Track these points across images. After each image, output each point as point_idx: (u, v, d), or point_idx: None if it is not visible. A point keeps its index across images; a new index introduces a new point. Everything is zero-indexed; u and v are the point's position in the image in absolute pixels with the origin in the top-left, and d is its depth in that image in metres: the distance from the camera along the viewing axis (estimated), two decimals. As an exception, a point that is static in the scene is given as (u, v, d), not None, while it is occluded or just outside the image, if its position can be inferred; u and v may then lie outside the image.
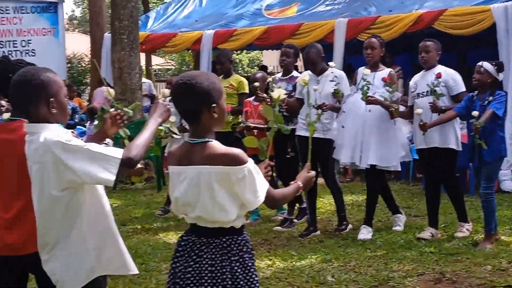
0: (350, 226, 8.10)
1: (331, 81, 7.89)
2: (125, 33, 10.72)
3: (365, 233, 7.68)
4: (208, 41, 13.86)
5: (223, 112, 3.45)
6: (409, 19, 11.47)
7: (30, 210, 3.72)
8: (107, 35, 15.41)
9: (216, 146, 3.36)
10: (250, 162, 3.31)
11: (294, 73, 8.58)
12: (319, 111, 7.18)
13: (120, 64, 10.79)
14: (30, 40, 9.56)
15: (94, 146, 3.39)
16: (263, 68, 17.94)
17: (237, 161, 3.27)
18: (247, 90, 9.15)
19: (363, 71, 7.74)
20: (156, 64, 34.06)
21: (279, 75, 8.82)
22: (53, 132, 3.46)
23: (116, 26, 10.82)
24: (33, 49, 9.51)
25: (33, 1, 10.19)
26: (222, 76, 8.97)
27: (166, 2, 20.56)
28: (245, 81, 9.24)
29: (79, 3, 61.81)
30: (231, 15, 15.07)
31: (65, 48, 9.95)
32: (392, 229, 8.00)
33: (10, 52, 9.44)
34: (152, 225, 8.85)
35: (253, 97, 8.74)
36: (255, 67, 34.88)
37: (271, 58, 18.06)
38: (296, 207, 8.70)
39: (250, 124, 8.65)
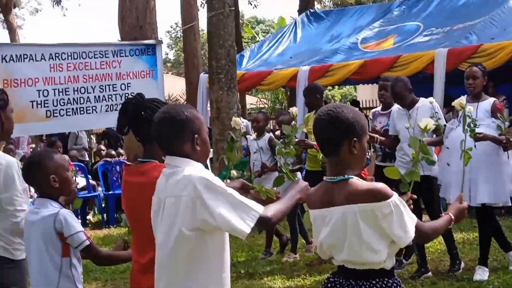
0: (462, 265, 7.70)
1: (431, 117, 7.23)
2: (223, 73, 10.66)
3: (481, 273, 7.25)
4: (303, 77, 13.64)
5: (363, 151, 3.29)
6: (512, 47, 11.02)
7: None
8: (203, 76, 15.51)
9: (358, 182, 3.21)
10: (395, 196, 3.15)
11: (395, 106, 8.26)
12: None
13: (218, 104, 10.74)
14: (130, 83, 9.58)
15: (237, 194, 3.27)
16: (354, 103, 17.60)
17: (382, 196, 3.11)
18: None
19: (464, 101, 7.26)
20: (250, 103, 34.21)
21: (378, 109, 8.60)
22: (197, 169, 3.35)
23: (213, 66, 10.78)
24: (132, 92, 9.50)
25: (131, 44, 10.26)
26: (313, 112, 8.71)
27: (258, 41, 20.58)
28: None
29: (172, 46, 63.04)
30: (326, 50, 14.91)
31: (163, 89, 9.90)
32: (510, 269, 7.54)
33: (110, 96, 9.47)
34: (255, 269, 8.65)
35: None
36: (348, 103, 34.52)
37: (364, 93, 17.72)
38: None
39: None
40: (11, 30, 27.96)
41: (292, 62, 14.89)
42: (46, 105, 9.16)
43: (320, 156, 8.52)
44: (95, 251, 4.05)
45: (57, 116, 9.20)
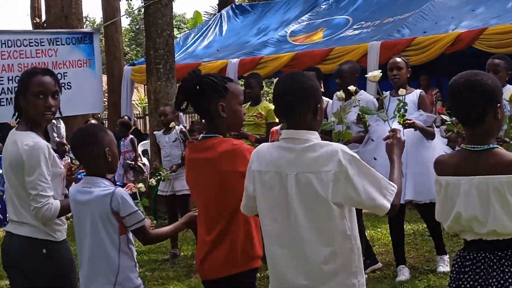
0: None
1: (354, 106, 6.91)
2: (161, 63, 10.37)
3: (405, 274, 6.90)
4: (233, 70, 13.52)
5: (503, 117, 3.25)
6: (446, 40, 11.15)
7: (228, 232, 3.66)
8: (127, 68, 15.19)
9: (504, 153, 3.13)
10: None
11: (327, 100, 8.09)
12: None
13: (156, 94, 10.44)
14: (66, 72, 9.22)
15: (373, 169, 3.16)
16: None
17: None
18: (276, 119, 8.57)
19: (389, 94, 6.98)
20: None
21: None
22: (336, 144, 3.22)
23: (151, 56, 10.47)
24: (69, 82, 9.17)
25: (68, 32, 9.91)
26: (250, 103, 8.48)
27: (184, 32, 20.34)
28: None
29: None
30: (255, 43, 14.84)
31: (101, 79, 9.58)
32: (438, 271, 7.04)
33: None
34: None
35: (279, 126, 8.23)
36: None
37: None
38: None
39: None
40: None
41: (219, 54, 14.75)
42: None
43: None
44: (146, 231, 3.89)
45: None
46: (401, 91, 6.74)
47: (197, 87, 3.71)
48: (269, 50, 13.94)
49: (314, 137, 3.25)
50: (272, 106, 8.68)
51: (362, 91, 7.46)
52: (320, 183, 3.15)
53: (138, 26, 55.16)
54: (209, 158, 3.69)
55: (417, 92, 7.13)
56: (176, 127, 8.91)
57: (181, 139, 8.79)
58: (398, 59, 7.14)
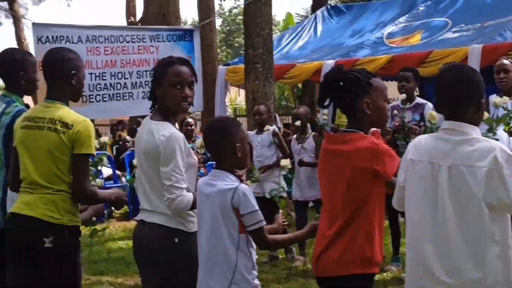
0: None
1: None
2: (260, 62, 10.34)
3: None
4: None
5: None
6: (553, 44, 10.77)
7: (349, 228, 3.62)
8: (222, 68, 15.23)
9: None
10: None
11: (418, 99, 7.90)
12: None
13: (254, 94, 10.42)
14: (167, 69, 9.26)
15: None
16: None
17: None
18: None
19: (494, 99, 6.68)
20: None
21: (397, 102, 8.07)
22: (493, 141, 3.23)
23: (249, 55, 10.47)
24: (168, 79, 9.22)
25: (169, 29, 9.97)
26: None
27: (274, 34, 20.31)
28: None
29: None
30: (350, 44, 14.67)
31: (201, 77, 9.59)
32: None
33: (147, 83, 9.16)
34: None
35: None
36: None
37: (393, 89, 17.43)
38: None
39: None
40: (16, 19, 27.57)
41: (314, 56, 14.64)
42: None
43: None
44: (264, 234, 3.81)
45: (93, 101, 8.89)
46: (504, 99, 6.53)
47: (341, 83, 3.70)
48: (365, 52, 13.75)
49: (475, 132, 3.21)
50: None
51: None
52: (473, 179, 3.07)
53: (228, 28, 55.59)
54: (347, 151, 3.67)
55: None
56: (270, 128, 8.86)
57: (275, 142, 8.74)
58: (506, 61, 6.97)
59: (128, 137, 15.28)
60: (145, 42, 9.18)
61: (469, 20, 13.33)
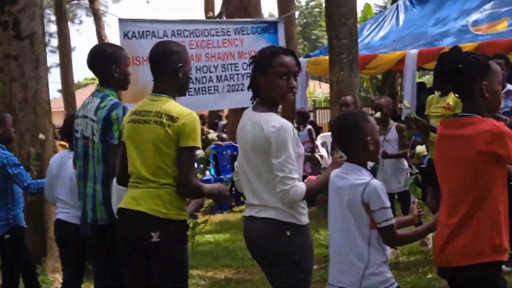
0: None
1: None
2: (344, 52, 10.19)
3: None
4: (412, 61, 13.16)
5: None
6: None
7: (474, 216, 3.52)
8: (303, 60, 15.13)
9: None
10: None
11: (510, 86, 7.46)
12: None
13: (339, 85, 10.29)
14: (251, 62, 9.24)
15: None
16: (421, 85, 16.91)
17: None
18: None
19: None
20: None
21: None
22: None
23: (334, 45, 10.32)
24: (254, 72, 9.21)
25: (253, 22, 9.95)
26: (439, 93, 8.10)
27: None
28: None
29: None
30: (433, 33, 14.38)
31: (305, 64, 9.54)
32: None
33: (232, 76, 9.17)
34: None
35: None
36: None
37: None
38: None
39: None
40: (96, 17, 28.03)
41: (396, 46, 14.41)
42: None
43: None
44: (393, 231, 3.74)
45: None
46: None
47: (459, 65, 3.60)
48: (450, 41, 13.45)
49: None
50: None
51: None
52: None
53: (305, 20, 55.46)
54: (466, 135, 3.57)
55: None
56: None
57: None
58: None
59: (211, 131, 15.38)
60: (230, 35, 9.17)
61: (561, 6, 12.92)
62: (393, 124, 8.69)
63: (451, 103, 7.95)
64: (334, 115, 10.47)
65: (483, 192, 3.51)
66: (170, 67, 4.30)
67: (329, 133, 12.91)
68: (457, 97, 3.77)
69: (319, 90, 26.06)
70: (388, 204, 3.69)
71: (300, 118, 12.28)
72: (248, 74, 9.14)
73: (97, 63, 4.93)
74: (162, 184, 4.18)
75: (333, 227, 3.87)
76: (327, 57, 14.57)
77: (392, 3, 19.18)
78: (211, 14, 26.04)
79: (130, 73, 5.02)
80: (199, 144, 4.23)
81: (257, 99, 4.21)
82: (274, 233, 4.02)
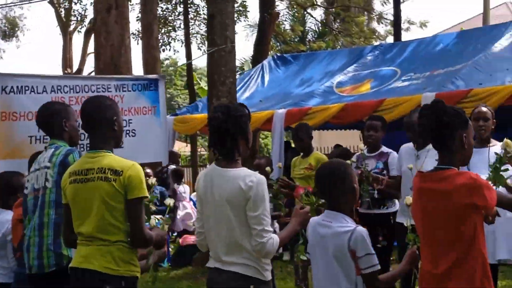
0: None
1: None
2: (223, 111, 10.28)
3: None
4: (280, 120, 13.40)
5: None
6: (505, 92, 10.97)
7: (464, 264, 3.62)
8: (170, 118, 15.10)
9: None
10: None
11: (383, 148, 7.84)
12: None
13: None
14: (131, 119, 9.13)
15: None
16: (338, 146, 17.37)
17: None
18: None
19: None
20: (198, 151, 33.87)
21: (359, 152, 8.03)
22: None
23: (213, 104, 10.38)
24: (133, 129, 9.08)
25: (134, 79, 9.86)
26: (301, 155, 8.31)
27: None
28: (326, 159, 8.31)
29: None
30: (299, 93, 14.75)
31: (166, 127, 9.48)
32: None
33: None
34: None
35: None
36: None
37: (347, 137, 17.60)
38: None
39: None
40: None
41: (263, 105, 14.65)
42: (45, 140, 8.63)
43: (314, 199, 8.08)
44: (377, 278, 3.87)
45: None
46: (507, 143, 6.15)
47: (444, 118, 3.78)
48: (316, 101, 13.82)
49: None
50: (323, 156, 8.44)
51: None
52: None
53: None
54: (445, 190, 3.71)
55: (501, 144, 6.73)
56: None
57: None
58: (484, 109, 6.78)
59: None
60: (110, 91, 9.04)
61: (418, 69, 13.58)
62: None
63: (312, 163, 8.16)
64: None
65: (468, 239, 3.66)
66: (106, 121, 4.34)
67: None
68: (436, 148, 3.90)
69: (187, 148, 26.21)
70: (373, 250, 3.84)
71: (177, 176, 12.25)
72: (127, 131, 9.14)
73: (48, 118, 5.03)
74: (114, 241, 4.17)
75: (318, 275, 3.97)
76: (194, 115, 14.74)
77: (253, 66, 19.56)
78: (69, 70, 25.64)
79: (78, 128, 5.15)
80: (147, 194, 4.27)
81: (219, 156, 4.28)
82: (237, 287, 4.09)
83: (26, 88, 8.48)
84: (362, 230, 3.86)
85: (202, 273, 10.57)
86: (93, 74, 26.33)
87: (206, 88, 31.14)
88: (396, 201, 7.57)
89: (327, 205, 4.06)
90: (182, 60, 55.42)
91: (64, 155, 4.75)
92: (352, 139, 16.84)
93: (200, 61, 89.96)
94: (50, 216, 4.70)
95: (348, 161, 7.17)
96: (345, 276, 3.83)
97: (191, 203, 13.57)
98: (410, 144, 7.21)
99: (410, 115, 7.25)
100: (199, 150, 27.37)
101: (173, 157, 13.53)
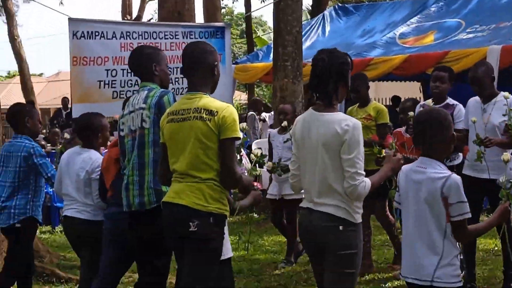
0: None
1: (503, 114, 6.56)
2: (289, 60, 10.32)
3: None
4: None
5: None
6: None
7: None
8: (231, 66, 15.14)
9: None
10: None
11: (449, 100, 7.58)
12: (482, 148, 6.34)
13: (282, 92, 10.38)
14: (198, 67, 9.17)
15: None
16: (396, 98, 17.25)
17: None
18: (387, 120, 8.18)
19: None
20: (241, 100, 33.89)
21: (428, 101, 7.91)
22: None
23: (279, 53, 10.43)
24: (199, 76, 9.15)
25: (201, 26, 9.93)
26: (358, 104, 8.24)
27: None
28: (385, 110, 8.24)
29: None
30: (361, 44, 14.63)
31: (232, 75, 9.54)
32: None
33: (177, 80, 9.13)
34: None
35: (403, 128, 7.73)
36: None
37: (409, 89, 17.40)
38: None
39: (410, 156, 7.69)
40: (9, 16, 27.26)
41: (322, 56, 14.55)
42: (113, 85, 8.81)
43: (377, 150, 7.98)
44: (466, 226, 3.95)
45: (123, 97, 8.84)
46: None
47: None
48: (378, 52, 13.72)
49: None
50: (381, 106, 8.35)
51: (502, 92, 6.96)
52: None
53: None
54: None
55: None
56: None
57: None
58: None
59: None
60: (178, 38, 9.14)
61: (483, 22, 13.32)
62: None
63: (372, 113, 8.07)
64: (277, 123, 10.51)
65: None
66: (208, 65, 4.51)
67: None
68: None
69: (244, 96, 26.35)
70: (466, 199, 3.89)
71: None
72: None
73: (139, 62, 5.11)
74: (205, 179, 4.33)
75: (408, 218, 4.06)
76: (255, 64, 14.77)
77: (311, 17, 19.42)
78: (128, 17, 25.76)
79: (170, 72, 5.39)
80: (239, 135, 4.41)
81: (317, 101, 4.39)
82: (330, 227, 4.23)
83: (96, 34, 8.63)
84: (456, 177, 3.91)
85: (263, 219, 10.73)
86: (153, 21, 26.48)
87: (263, 37, 31.21)
88: (460, 154, 7.51)
89: (422, 152, 4.10)
90: (238, 9, 55.24)
91: (159, 96, 4.85)
92: (409, 91, 16.66)
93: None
94: (149, 156, 4.83)
95: (411, 113, 7.19)
96: (435, 222, 3.90)
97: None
98: (477, 98, 7.13)
99: (476, 68, 7.16)
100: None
101: (256, 105, 13.72)
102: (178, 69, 9.07)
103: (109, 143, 6.04)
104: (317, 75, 4.34)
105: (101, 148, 6.17)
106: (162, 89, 4.96)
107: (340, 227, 4.21)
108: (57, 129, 13.99)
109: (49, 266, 7.13)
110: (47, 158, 6.25)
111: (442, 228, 3.90)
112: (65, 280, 7.94)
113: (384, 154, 7.55)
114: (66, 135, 8.92)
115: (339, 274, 4.27)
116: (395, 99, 17.31)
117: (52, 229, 11.45)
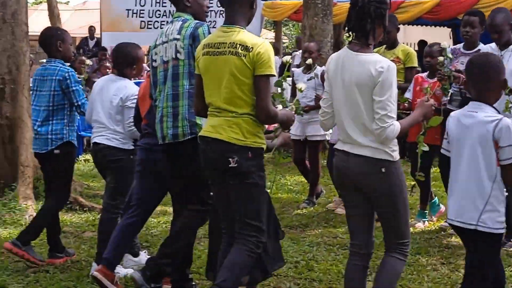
0: None
1: None
2: (320, -2, 10.18)
3: None
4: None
5: None
6: None
7: None
8: (260, 2, 14.96)
9: None
10: None
11: (481, 46, 7.17)
12: (511, 97, 6.16)
13: (312, 30, 10.26)
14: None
15: None
16: (423, 42, 16.98)
17: None
18: (416, 64, 8.05)
19: None
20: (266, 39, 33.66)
21: (460, 46, 7.70)
22: None
23: (309, -9, 10.30)
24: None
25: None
26: (385, 46, 8.03)
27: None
28: (414, 53, 8.09)
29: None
30: (395, -14, 14.36)
31: (260, 11, 9.41)
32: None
33: (206, 14, 9.00)
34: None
35: (426, 73, 7.59)
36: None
37: (440, 34, 17.11)
38: None
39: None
40: None
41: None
42: (141, 15, 8.70)
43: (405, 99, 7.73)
44: None
45: (151, 28, 8.77)
46: None
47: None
48: (411, -4, 13.51)
49: None
50: (410, 49, 8.17)
51: None
52: None
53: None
54: None
55: None
56: (318, 67, 8.32)
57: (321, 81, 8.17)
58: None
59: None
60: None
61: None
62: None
63: (400, 56, 7.93)
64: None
65: None
66: None
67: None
68: None
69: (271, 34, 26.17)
70: None
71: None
72: (221, 11, 9.09)
73: None
74: (240, 113, 4.30)
75: (460, 162, 4.06)
76: (284, 1, 14.60)
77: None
78: None
79: (204, 4, 5.08)
80: (275, 72, 4.33)
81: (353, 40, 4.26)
82: (370, 170, 4.18)
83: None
84: (508, 121, 3.90)
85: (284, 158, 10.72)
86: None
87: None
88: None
89: (474, 96, 4.10)
90: None
91: (194, 27, 4.77)
92: (438, 36, 16.38)
93: None
94: (184, 87, 4.78)
95: (441, 58, 7.07)
96: (486, 165, 3.92)
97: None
98: (493, 45, 6.95)
99: (494, 15, 6.96)
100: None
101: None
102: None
103: (146, 72, 5.98)
104: (355, 14, 4.23)
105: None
106: (198, 21, 4.86)
107: (383, 169, 4.15)
108: (83, 57, 13.95)
109: (72, 194, 7.16)
110: (80, 86, 6.19)
111: (492, 172, 3.92)
112: (88, 208, 8.04)
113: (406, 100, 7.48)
114: (89, 62, 8.82)
115: (392, 212, 4.25)
116: (422, 43, 17.05)
117: (76, 157, 11.48)
